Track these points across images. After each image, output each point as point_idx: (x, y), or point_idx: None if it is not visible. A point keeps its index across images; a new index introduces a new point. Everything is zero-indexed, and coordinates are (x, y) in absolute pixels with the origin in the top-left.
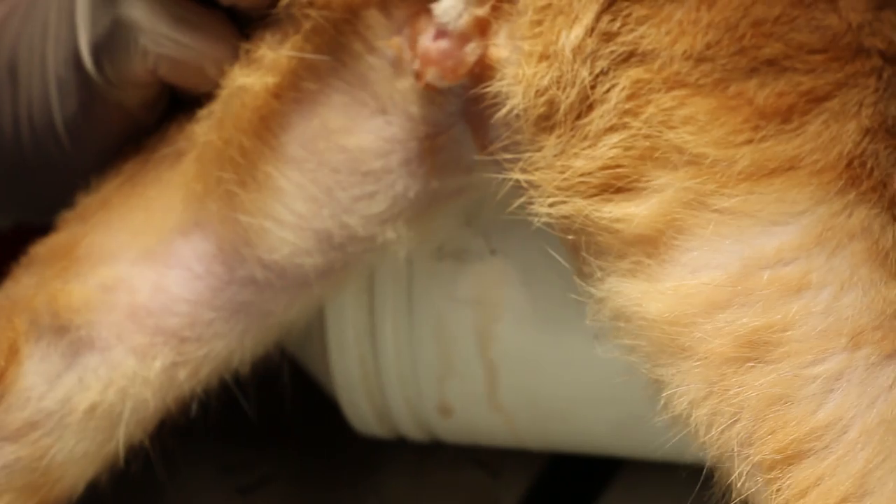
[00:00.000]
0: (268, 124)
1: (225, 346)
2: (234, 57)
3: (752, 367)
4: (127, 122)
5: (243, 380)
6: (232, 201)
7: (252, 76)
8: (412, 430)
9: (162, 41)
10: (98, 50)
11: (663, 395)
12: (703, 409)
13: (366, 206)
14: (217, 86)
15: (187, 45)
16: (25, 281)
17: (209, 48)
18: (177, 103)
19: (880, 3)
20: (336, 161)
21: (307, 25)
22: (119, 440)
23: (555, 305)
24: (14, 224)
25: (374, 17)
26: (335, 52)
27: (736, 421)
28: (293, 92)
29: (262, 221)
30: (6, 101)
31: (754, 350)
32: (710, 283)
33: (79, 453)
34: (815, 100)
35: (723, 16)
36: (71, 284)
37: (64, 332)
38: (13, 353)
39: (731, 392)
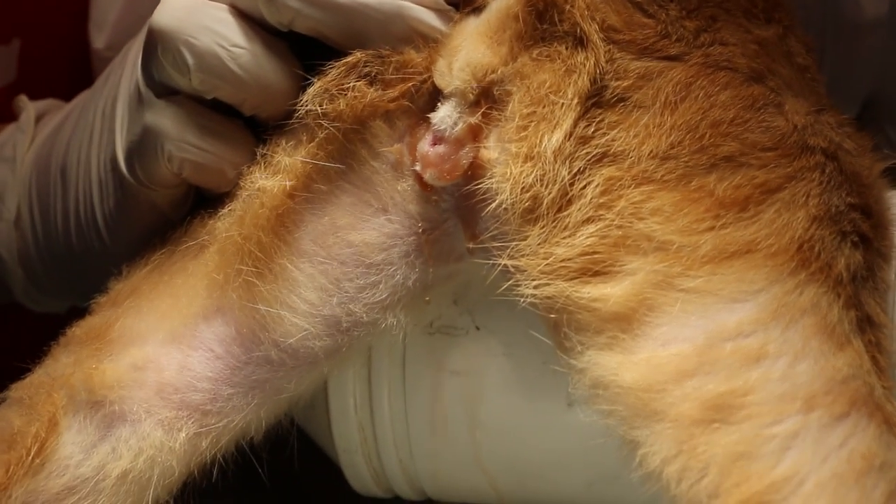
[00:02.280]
0: (283, 221)
1: (242, 418)
2: (252, 161)
3: (718, 427)
4: (157, 218)
5: (257, 445)
6: (250, 290)
7: (270, 179)
8: (405, 490)
9: (186, 147)
10: (131, 154)
11: (638, 454)
12: (674, 465)
13: (370, 294)
14: (236, 186)
15: (209, 150)
16: (64, 360)
17: (229, 154)
18: (202, 200)
19: (819, 108)
20: (343, 255)
21: (320, 134)
22: (148, 502)
23: (533, 375)
24: (69, 308)
25: (378, 126)
26: (343, 157)
27: (704, 476)
28: (306, 193)
29: (278, 309)
30: (58, 199)
31: (719, 413)
32: (679, 354)
33: None
34: (769, 191)
35: (684, 119)
36: (105, 364)
37: (99, 407)
38: (53, 425)
39: (699, 450)
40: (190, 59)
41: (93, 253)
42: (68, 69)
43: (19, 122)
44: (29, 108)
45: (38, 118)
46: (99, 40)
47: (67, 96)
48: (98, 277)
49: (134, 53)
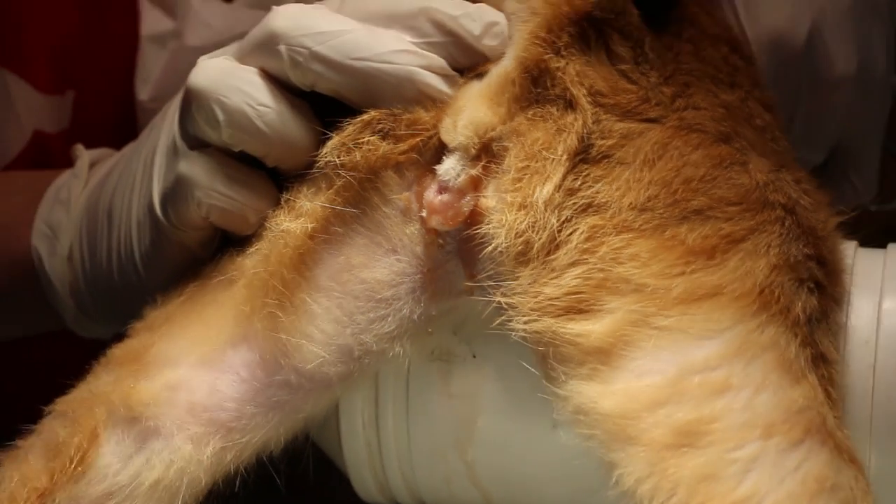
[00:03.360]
0: (304, 260)
1: (263, 435)
2: (274, 207)
3: (686, 451)
4: (187, 257)
5: (276, 458)
6: (273, 321)
7: (294, 222)
8: (407, 500)
9: (213, 195)
10: (165, 199)
11: (614, 473)
12: (647, 485)
13: (379, 326)
14: (258, 230)
15: (234, 198)
16: (104, 378)
17: (252, 201)
18: (227, 240)
19: (778, 166)
20: (357, 290)
21: (338, 183)
22: None
23: (523, 400)
24: (114, 335)
25: (389, 176)
26: (358, 203)
27: (673, 495)
28: (324, 234)
29: (298, 339)
30: (104, 238)
31: (687, 438)
32: (652, 385)
33: None
34: (733, 241)
35: (660, 175)
36: (141, 383)
37: (135, 422)
38: (94, 437)
39: (669, 472)
40: (221, 116)
41: (131, 287)
42: (116, 119)
43: (75, 168)
44: (84, 156)
45: (92, 165)
46: (144, 93)
47: (114, 143)
48: (135, 308)
49: (173, 109)
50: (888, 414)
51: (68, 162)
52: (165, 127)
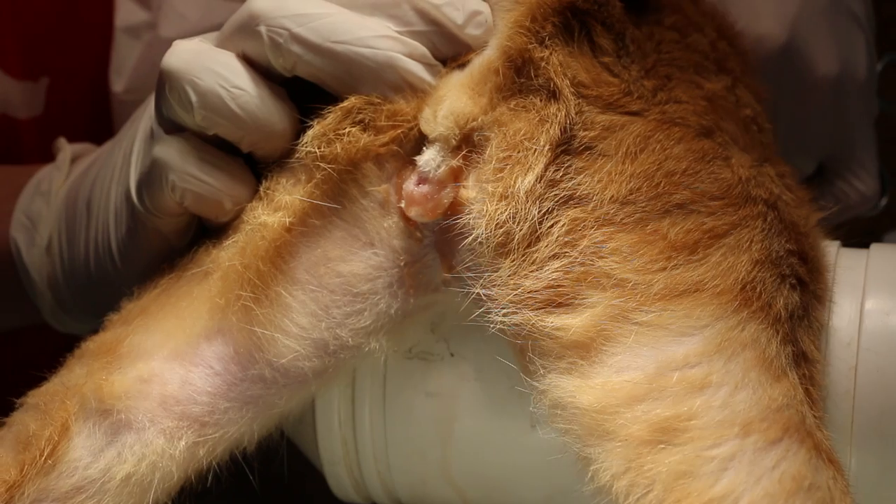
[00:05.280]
0: (280, 253)
1: (237, 430)
2: (249, 194)
3: (663, 448)
4: (163, 245)
5: (250, 454)
6: (248, 314)
7: (272, 216)
8: (383, 499)
9: (188, 179)
10: (141, 184)
11: (591, 469)
12: (623, 481)
13: (355, 321)
14: (233, 217)
15: (209, 182)
16: (77, 370)
17: (227, 187)
18: (205, 231)
19: (761, 160)
20: (333, 284)
21: (317, 175)
22: (148, 503)
23: (501, 399)
24: (91, 330)
25: (369, 168)
26: (337, 196)
27: (649, 491)
28: (301, 227)
29: (272, 332)
30: (82, 229)
31: (665, 435)
32: (631, 380)
33: None
34: (716, 236)
35: (642, 168)
36: (114, 376)
37: (107, 415)
38: (65, 429)
39: (645, 468)
40: (193, 98)
41: (107, 279)
42: (89, 109)
43: (56, 161)
44: (66, 149)
45: (74, 160)
46: (118, 84)
47: (88, 132)
48: (111, 301)
49: (152, 99)
50: (869, 415)
51: (39, 149)
52: (145, 116)
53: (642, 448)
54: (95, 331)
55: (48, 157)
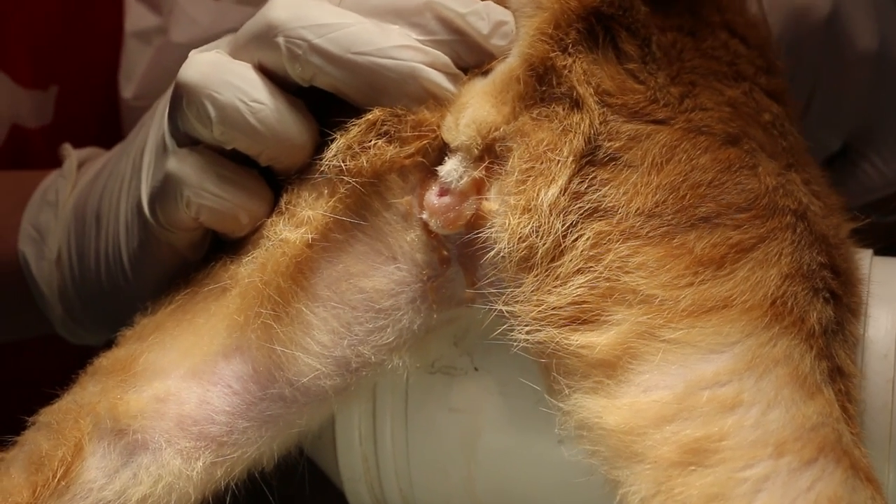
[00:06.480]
0: (301, 269)
1: (256, 450)
2: (266, 208)
3: (694, 470)
4: (177, 259)
5: (268, 473)
6: (268, 332)
7: (293, 232)
8: None
9: (203, 195)
10: (153, 198)
11: (619, 492)
12: None
13: (378, 338)
14: (252, 235)
15: (225, 198)
16: (91, 388)
17: (244, 202)
18: (220, 244)
19: (787, 166)
20: (355, 300)
21: (342, 189)
22: None
23: (526, 414)
24: (106, 342)
25: (393, 180)
26: (360, 210)
27: None
28: (323, 242)
29: (293, 350)
30: (92, 241)
31: (696, 456)
32: (660, 400)
33: None
34: (743, 251)
35: (668, 179)
36: (129, 394)
37: (122, 435)
38: (78, 449)
39: (675, 491)
40: (212, 112)
41: (119, 291)
42: (100, 115)
43: (62, 168)
44: (72, 156)
45: (80, 165)
46: (127, 90)
47: (98, 140)
48: (124, 313)
49: (162, 107)
50: None
51: (48, 158)
52: (154, 124)
53: (672, 470)
54: (109, 344)
55: (57, 165)
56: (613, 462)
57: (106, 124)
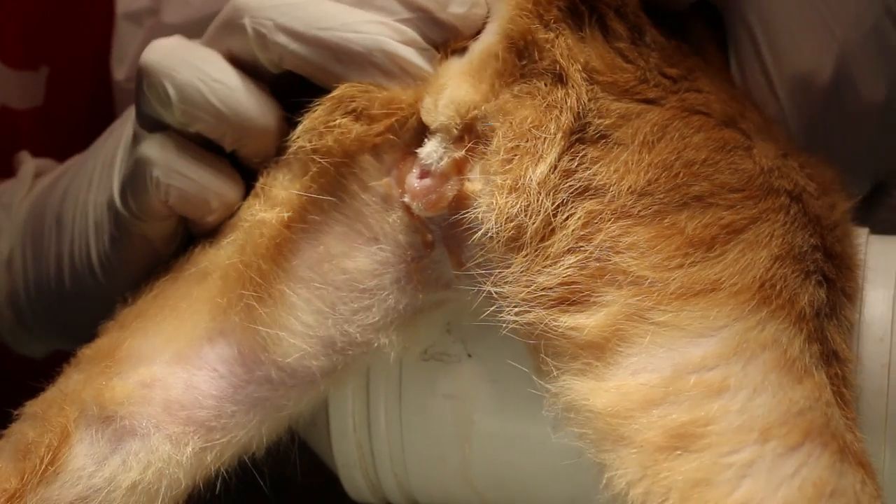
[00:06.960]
0: (281, 250)
1: (245, 434)
2: (236, 194)
3: (680, 454)
4: (150, 254)
5: (259, 459)
6: (251, 314)
7: (269, 212)
8: (399, 501)
9: (172, 174)
10: (125, 187)
11: (606, 476)
12: (639, 489)
13: (363, 317)
14: (220, 219)
15: (194, 179)
16: (75, 377)
17: (213, 184)
18: (192, 241)
19: (784, 152)
20: (338, 281)
21: (313, 169)
22: None
23: (520, 400)
24: (49, 353)
25: (367, 161)
26: (336, 190)
27: (665, 500)
28: (301, 223)
29: (277, 331)
30: (52, 244)
31: (681, 441)
32: (647, 383)
33: None
34: (734, 232)
35: (660, 157)
36: (114, 381)
37: (109, 422)
38: (65, 436)
39: (661, 475)
40: (171, 91)
41: (87, 293)
42: (91, 98)
43: (19, 174)
44: (29, 162)
45: (37, 175)
46: (120, 72)
47: (89, 123)
48: (89, 318)
49: (132, 110)
50: None
51: (38, 141)
52: (127, 127)
53: (658, 455)
54: (61, 354)
55: (49, 148)
56: (600, 445)
57: (98, 106)
